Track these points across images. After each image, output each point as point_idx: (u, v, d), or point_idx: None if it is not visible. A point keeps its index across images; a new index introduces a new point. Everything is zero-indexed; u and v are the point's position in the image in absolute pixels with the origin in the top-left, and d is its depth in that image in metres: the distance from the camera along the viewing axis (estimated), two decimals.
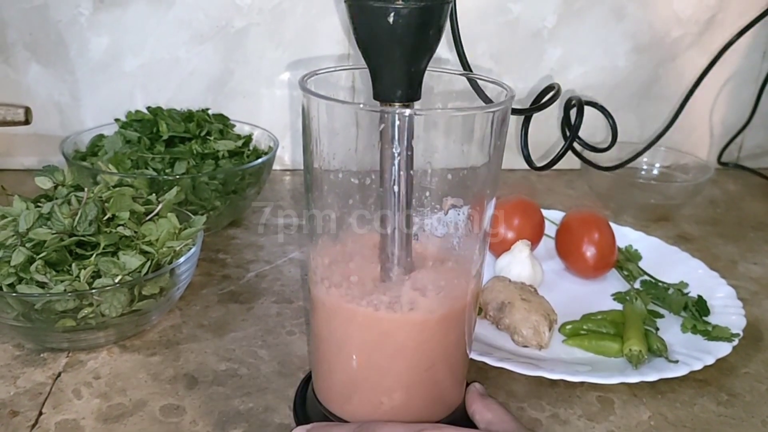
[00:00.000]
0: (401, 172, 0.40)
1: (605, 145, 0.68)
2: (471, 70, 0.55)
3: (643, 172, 0.98)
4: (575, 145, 0.67)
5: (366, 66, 0.41)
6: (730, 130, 1.08)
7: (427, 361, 0.43)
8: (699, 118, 1.06)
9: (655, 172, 0.98)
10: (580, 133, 0.66)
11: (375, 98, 0.41)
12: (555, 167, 1.02)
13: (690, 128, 1.06)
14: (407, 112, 0.38)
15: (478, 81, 0.47)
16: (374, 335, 0.42)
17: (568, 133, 0.66)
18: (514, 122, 0.95)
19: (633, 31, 0.98)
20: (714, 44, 0.97)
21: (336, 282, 0.43)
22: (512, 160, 1.03)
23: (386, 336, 0.42)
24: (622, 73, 1.00)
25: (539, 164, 0.67)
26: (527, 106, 0.62)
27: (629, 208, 0.89)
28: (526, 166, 0.68)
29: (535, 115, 0.65)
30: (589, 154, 0.76)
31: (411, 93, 0.41)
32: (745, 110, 1.06)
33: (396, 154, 0.39)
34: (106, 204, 0.57)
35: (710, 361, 0.55)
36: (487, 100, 0.48)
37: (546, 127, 0.99)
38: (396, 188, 0.40)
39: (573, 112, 0.65)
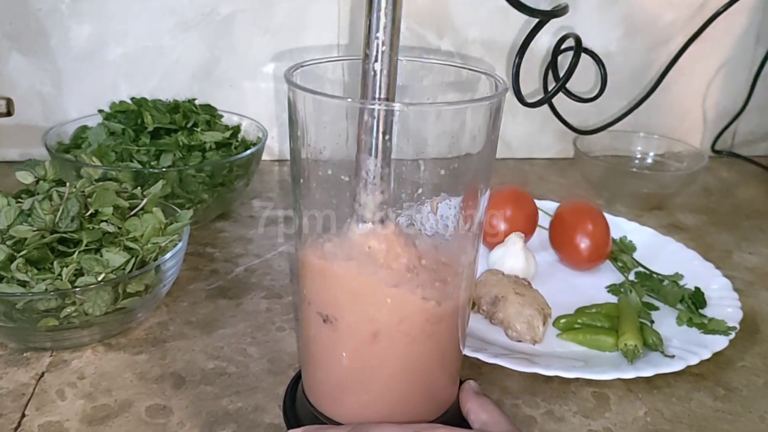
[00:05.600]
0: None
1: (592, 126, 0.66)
2: None
3: (636, 161, 0.97)
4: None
5: (355, 57, 0.39)
6: (724, 116, 1.07)
7: (419, 360, 0.42)
8: (692, 105, 1.05)
9: (649, 160, 0.97)
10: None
11: None
12: (548, 156, 1.01)
13: (683, 115, 1.05)
14: (397, 106, 0.37)
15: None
16: (365, 334, 0.41)
17: (552, 81, 0.63)
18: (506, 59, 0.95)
19: (625, 14, 0.97)
20: (705, 29, 0.96)
21: None
22: (505, 149, 1.02)
23: (377, 334, 0.41)
24: (615, 59, 0.99)
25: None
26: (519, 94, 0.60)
27: (622, 197, 0.88)
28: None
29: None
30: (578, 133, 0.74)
31: None
32: (739, 96, 1.05)
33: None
34: (88, 199, 0.55)
35: (706, 355, 0.54)
36: None
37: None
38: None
39: (560, 59, 0.62)
